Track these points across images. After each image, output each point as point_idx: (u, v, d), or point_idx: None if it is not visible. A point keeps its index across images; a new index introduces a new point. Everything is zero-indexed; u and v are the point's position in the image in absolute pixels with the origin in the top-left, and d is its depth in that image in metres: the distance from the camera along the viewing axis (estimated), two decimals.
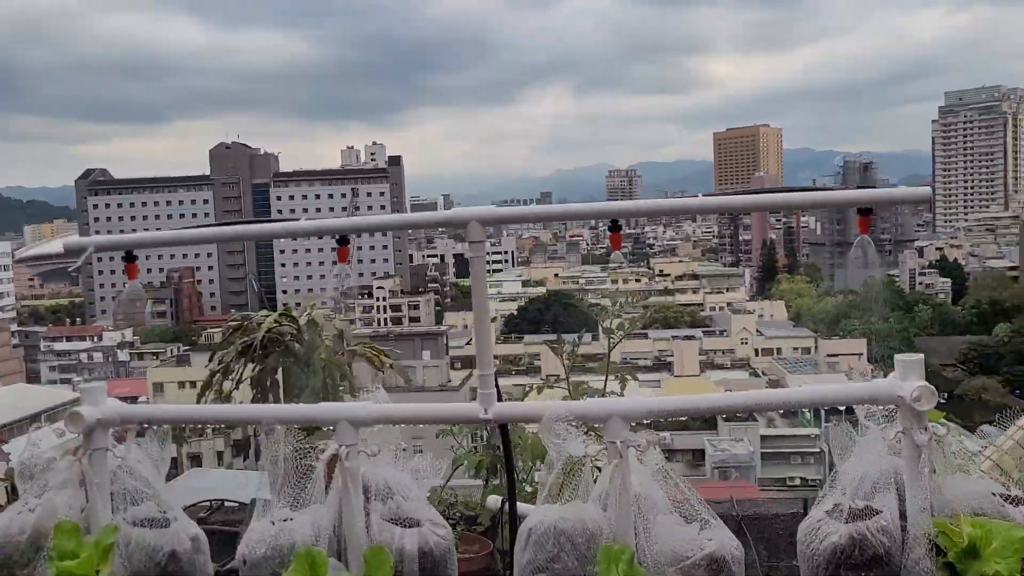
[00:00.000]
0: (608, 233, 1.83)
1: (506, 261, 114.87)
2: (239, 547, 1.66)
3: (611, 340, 2.72)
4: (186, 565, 1.70)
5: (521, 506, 1.89)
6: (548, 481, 1.65)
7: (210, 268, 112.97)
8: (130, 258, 1.92)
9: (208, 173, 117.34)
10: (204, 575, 1.76)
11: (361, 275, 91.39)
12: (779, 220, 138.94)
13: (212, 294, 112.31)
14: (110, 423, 1.83)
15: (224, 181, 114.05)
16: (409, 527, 1.64)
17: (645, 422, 1.66)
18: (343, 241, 1.86)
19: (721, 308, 79.08)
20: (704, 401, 1.81)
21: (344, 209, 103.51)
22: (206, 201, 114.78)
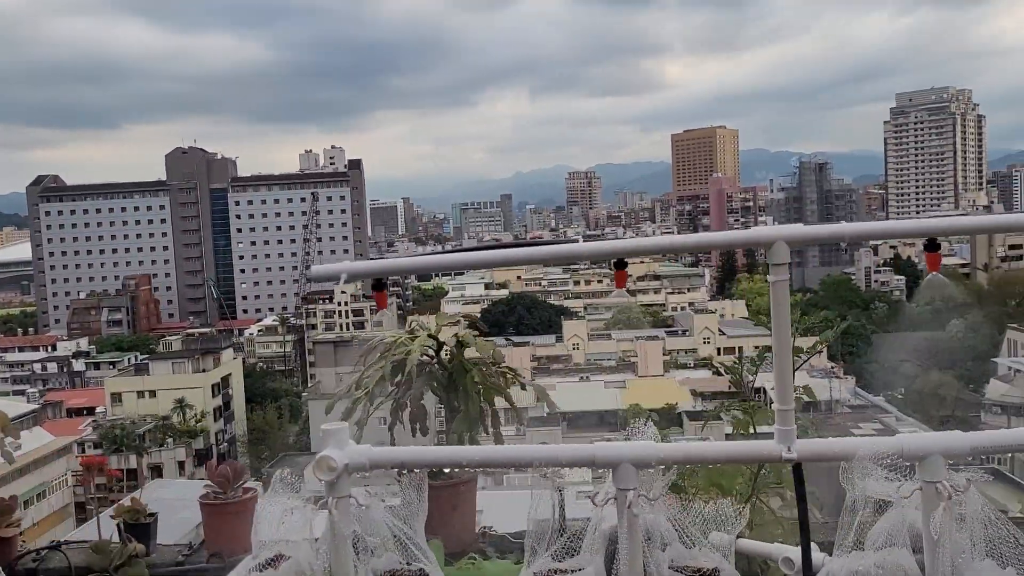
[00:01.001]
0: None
1: None
2: None
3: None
4: None
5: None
6: (849, 525, 1.56)
7: (167, 275, 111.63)
8: (379, 286, 1.76)
9: (164, 178, 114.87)
10: None
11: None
12: (737, 220, 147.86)
13: (170, 301, 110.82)
14: (358, 468, 1.69)
15: (181, 186, 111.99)
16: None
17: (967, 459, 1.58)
18: (621, 265, 1.64)
19: (683, 308, 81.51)
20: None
21: (304, 214, 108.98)
22: (162, 207, 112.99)
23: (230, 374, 60.23)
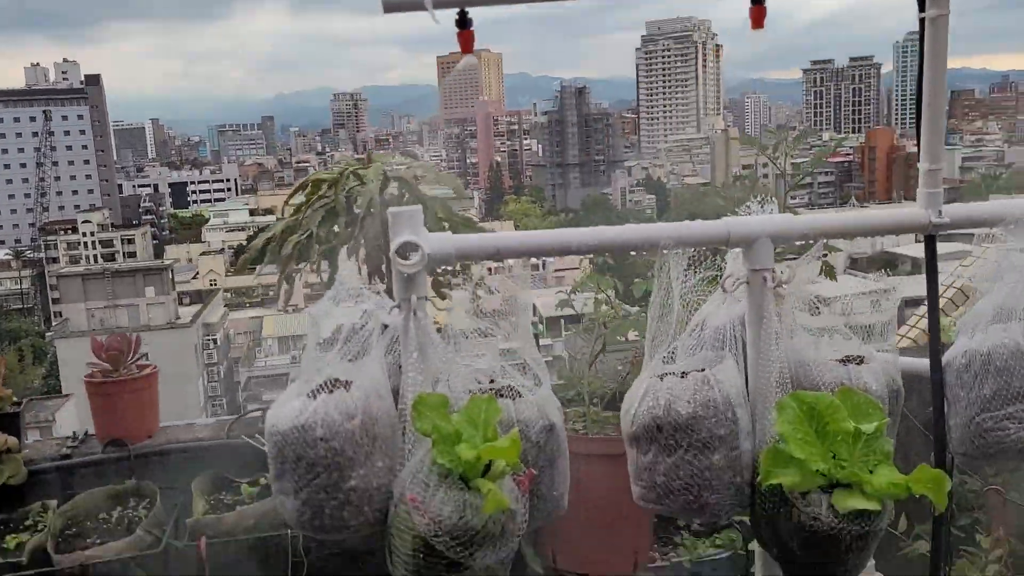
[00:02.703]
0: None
1: (229, 190, 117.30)
2: (639, 413, 1.33)
3: None
4: (563, 442, 1.33)
5: None
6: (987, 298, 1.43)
7: None
8: (464, 23, 1.26)
9: None
10: (567, 452, 1.36)
11: (62, 208, 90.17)
12: (504, 144, 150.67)
13: None
14: (442, 258, 1.28)
15: None
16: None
17: None
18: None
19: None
20: None
21: (36, 135, 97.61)
22: None
23: None
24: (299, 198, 2.45)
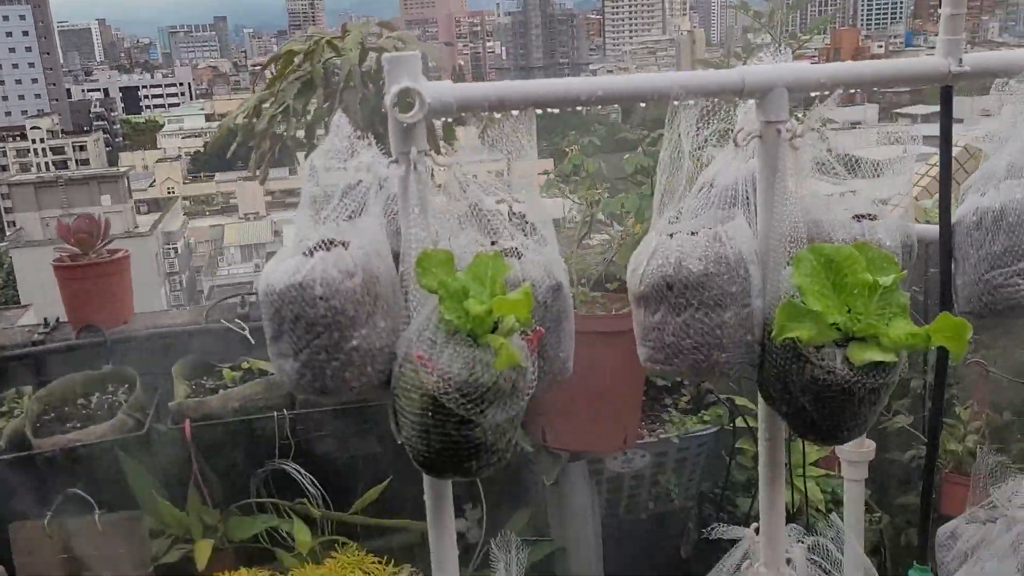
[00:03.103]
0: None
1: (183, 94, 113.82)
2: (647, 272, 1.27)
3: None
4: (568, 303, 1.28)
5: None
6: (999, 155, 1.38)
7: None
8: None
9: None
10: (572, 311, 1.31)
11: (8, 114, 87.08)
12: (466, 46, 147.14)
13: None
14: (442, 109, 1.18)
15: None
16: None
17: None
18: None
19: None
20: None
21: None
22: None
23: None
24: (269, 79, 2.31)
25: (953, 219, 1.48)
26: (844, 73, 1.35)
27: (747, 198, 1.38)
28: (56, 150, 74.60)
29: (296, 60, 2.20)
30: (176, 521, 2.11)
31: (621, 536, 2.48)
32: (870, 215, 1.38)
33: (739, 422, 2.49)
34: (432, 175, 1.30)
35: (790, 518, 2.54)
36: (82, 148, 76.98)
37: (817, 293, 1.21)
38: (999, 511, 1.69)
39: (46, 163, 73.19)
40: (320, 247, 1.19)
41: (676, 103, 1.31)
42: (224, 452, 2.21)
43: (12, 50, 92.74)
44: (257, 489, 2.26)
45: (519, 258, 1.29)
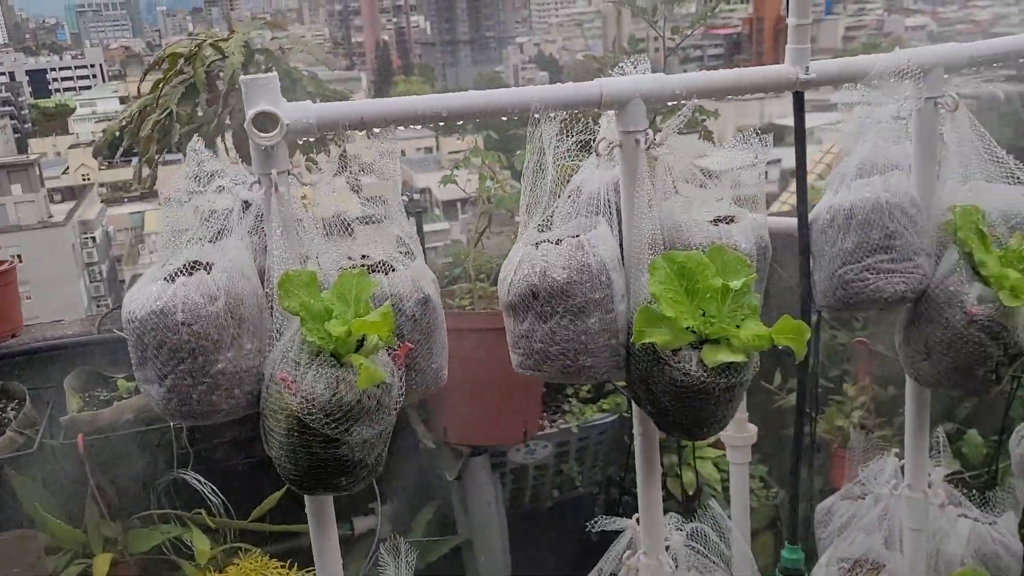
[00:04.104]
0: None
1: (95, 77, 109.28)
2: (515, 281, 1.31)
3: None
4: (438, 314, 1.30)
5: None
6: (851, 156, 1.48)
7: None
8: None
9: None
10: (444, 325, 1.33)
11: None
12: (390, 20, 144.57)
13: None
14: (303, 129, 1.18)
15: None
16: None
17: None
18: None
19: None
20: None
21: None
22: None
23: None
24: (156, 77, 2.26)
25: (811, 217, 1.55)
26: (698, 83, 1.40)
27: (610, 204, 1.42)
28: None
29: (179, 64, 2.17)
30: (71, 537, 2.09)
31: (529, 526, 2.54)
32: (728, 218, 1.44)
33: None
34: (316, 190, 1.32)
35: (690, 499, 2.64)
36: None
37: (671, 299, 1.26)
38: (867, 487, 1.79)
39: None
40: (182, 272, 1.20)
41: (537, 116, 1.35)
42: (122, 464, 2.19)
43: None
44: (159, 500, 2.25)
45: (387, 273, 1.31)
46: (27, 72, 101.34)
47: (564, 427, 2.44)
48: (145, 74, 2.18)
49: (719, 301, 1.29)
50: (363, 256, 1.35)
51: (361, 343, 1.18)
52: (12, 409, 2.17)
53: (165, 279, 1.19)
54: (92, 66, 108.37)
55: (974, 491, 1.86)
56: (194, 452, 2.21)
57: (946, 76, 1.50)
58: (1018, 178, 1.54)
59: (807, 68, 1.44)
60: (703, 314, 1.30)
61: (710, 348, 1.28)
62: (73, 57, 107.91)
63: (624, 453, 2.61)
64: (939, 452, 1.75)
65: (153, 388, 1.20)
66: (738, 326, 1.29)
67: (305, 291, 1.18)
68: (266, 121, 1.19)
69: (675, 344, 1.28)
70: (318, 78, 2.33)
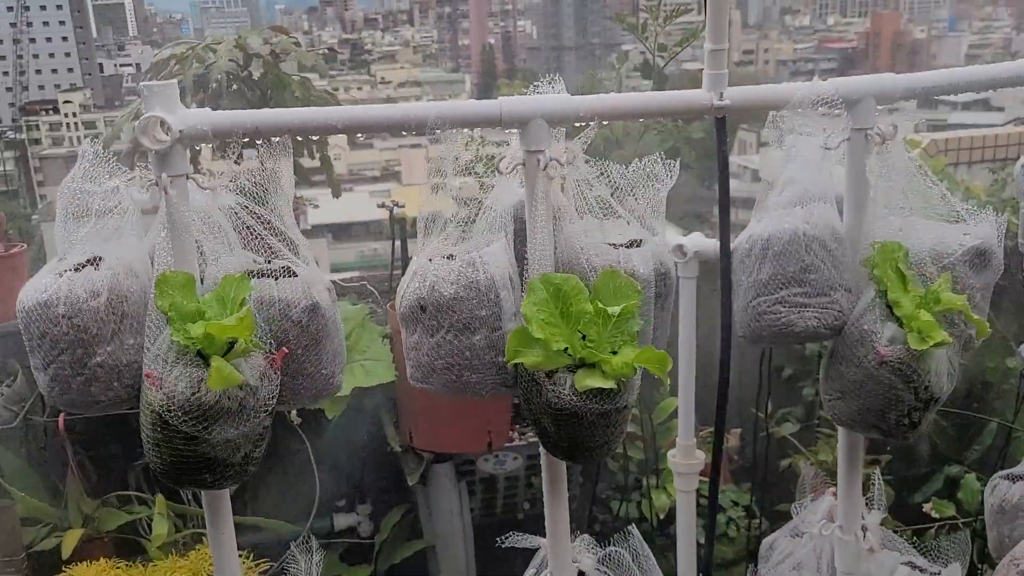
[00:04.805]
0: None
1: None
2: (407, 293, 1.31)
3: None
4: (329, 322, 1.30)
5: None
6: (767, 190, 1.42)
7: None
8: None
9: None
10: (340, 332, 1.35)
11: (42, 88, 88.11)
12: (497, 25, 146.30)
13: None
14: (196, 136, 1.24)
15: None
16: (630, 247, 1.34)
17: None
18: None
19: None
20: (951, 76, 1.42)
21: (10, 10, 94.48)
22: None
23: None
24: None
25: (733, 245, 1.52)
26: (606, 105, 1.39)
27: (514, 222, 1.42)
28: (88, 124, 75.06)
29: (170, 66, 2.27)
30: (46, 511, 2.21)
31: (496, 536, 2.54)
32: (637, 242, 1.42)
33: None
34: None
35: (662, 523, 2.59)
36: (111, 124, 77.28)
37: (543, 321, 1.26)
38: (800, 526, 1.74)
39: (78, 137, 73.76)
40: (73, 267, 1.27)
41: (437, 132, 1.36)
42: (101, 444, 2.30)
43: (46, 23, 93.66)
44: (136, 480, 2.35)
45: (277, 279, 1.34)
46: (152, 64, 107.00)
47: (534, 440, 2.43)
48: (146, 74, 2.28)
49: (600, 325, 1.28)
50: (268, 262, 1.39)
51: (232, 346, 1.22)
52: (7, 386, 2.31)
53: (57, 273, 1.26)
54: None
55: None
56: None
57: (880, 108, 1.44)
58: (961, 217, 1.48)
59: (722, 94, 1.40)
60: (584, 338, 1.29)
61: (583, 373, 1.27)
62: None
63: (601, 470, 2.59)
64: (875, 494, 1.68)
65: (40, 375, 1.27)
66: (615, 352, 1.27)
67: (180, 292, 1.22)
68: (155, 125, 1.24)
69: (548, 366, 1.28)
70: (309, 83, 2.40)
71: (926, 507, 2.52)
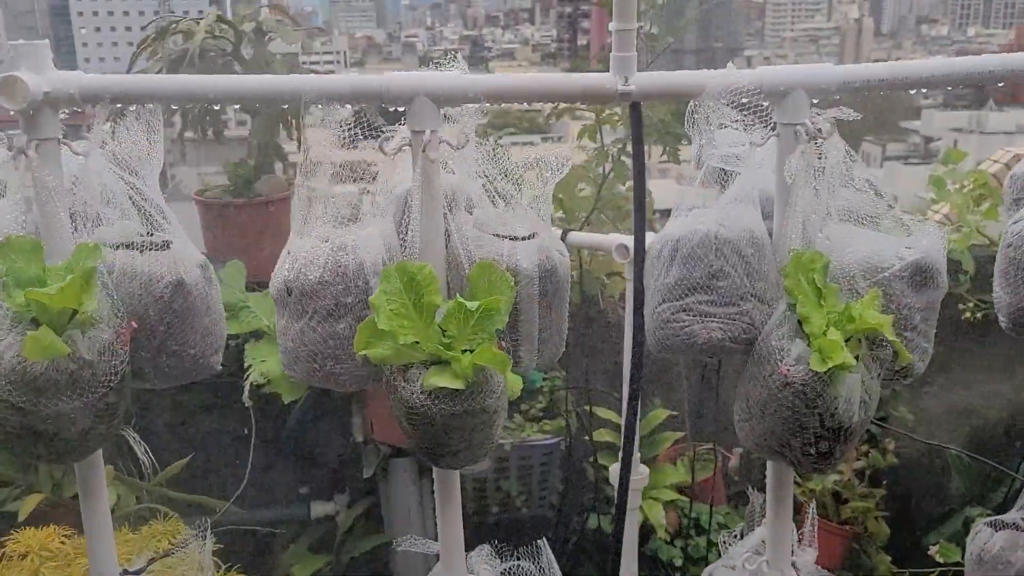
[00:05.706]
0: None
1: (338, 63, 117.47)
2: (278, 274, 1.24)
3: None
4: (198, 300, 1.25)
5: None
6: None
7: None
8: None
9: None
10: (216, 313, 1.31)
11: None
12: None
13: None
14: (63, 99, 1.21)
15: None
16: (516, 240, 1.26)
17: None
18: None
19: (560, 116, 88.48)
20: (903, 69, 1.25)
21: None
22: None
23: None
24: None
25: (647, 244, 1.38)
26: (495, 85, 1.28)
27: (406, 207, 1.33)
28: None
29: (167, 38, 2.27)
30: (19, 474, 2.25)
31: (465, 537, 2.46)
32: (530, 235, 1.31)
33: (597, 435, 2.40)
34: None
35: (643, 539, 2.45)
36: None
37: (392, 312, 1.17)
38: (729, 558, 1.59)
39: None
40: None
41: (318, 106, 1.28)
42: None
43: (186, 13, 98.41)
44: (107, 452, 2.37)
45: (142, 252, 1.29)
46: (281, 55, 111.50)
47: (503, 441, 2.33)
48: (140, 48, 2.30)
49: (461, 320, 1.18)
50: (150, 234, 1.35)
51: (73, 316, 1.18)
52: None
53: None
54: (337, 52, 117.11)
55: None
56: (137, 411, 2.32)
57: (814, 101, 1.28)
58: (908, 229, 1.30)
59: (627, 79, 1.27)
60: (445, 333, 1.19)
61: (434, 370, 1.17)
62: (322, 44, 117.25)
63: (580, 479, 2.47)
64: (807, 531, 1.51)
65: None
66: (472, 350, 1.16)
67: (24, 257, 1.19)
68: (10, 85, 1.21)
69: (397, 361, 1.19)
70: (295, 60, 2.37)
71: (932, 550, 2.28)
